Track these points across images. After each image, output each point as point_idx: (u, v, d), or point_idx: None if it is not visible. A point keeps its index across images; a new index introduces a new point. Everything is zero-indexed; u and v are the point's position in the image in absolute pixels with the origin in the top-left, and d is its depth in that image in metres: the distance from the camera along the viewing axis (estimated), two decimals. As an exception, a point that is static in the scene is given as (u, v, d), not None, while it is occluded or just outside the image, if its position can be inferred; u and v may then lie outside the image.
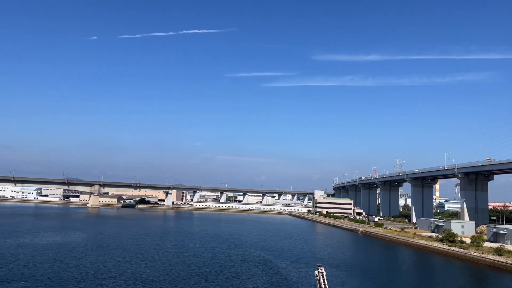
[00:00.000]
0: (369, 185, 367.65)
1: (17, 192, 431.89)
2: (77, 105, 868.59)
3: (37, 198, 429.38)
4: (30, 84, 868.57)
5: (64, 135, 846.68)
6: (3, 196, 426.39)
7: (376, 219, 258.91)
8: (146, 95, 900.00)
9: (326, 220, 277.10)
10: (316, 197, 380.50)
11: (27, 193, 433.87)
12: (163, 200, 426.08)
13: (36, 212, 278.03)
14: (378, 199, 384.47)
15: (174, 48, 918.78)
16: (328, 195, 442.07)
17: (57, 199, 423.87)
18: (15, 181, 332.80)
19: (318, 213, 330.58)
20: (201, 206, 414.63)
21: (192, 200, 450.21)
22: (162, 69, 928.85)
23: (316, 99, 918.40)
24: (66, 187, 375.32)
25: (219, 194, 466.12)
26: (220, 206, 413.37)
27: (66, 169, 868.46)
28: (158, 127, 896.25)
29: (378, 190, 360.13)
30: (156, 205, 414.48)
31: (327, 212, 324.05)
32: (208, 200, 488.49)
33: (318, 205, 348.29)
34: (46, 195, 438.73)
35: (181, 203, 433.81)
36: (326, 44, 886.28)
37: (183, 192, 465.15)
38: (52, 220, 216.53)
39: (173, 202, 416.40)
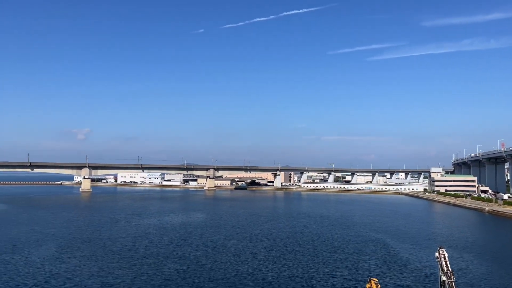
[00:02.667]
0: (495, 160, 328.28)
1: (145, 178, 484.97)
2: (204, 99, 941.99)
3: (161, 182, 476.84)
4: (160, 81, 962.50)
5: (186, 125, 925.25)
6: (134, 182, 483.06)
7: (505, 197, 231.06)
8: (250, 80, 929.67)
9: (446, 199, 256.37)
10: (433, 174, 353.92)
11: (153, 178, 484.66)
12: (272, 182, 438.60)
13: (161, 195, 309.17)
14: (507, 175, 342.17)
15: (276, 31, 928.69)
16: (447, 172, 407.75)
17: (178, 183, 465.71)
18: (143, 168, 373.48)
19: (435, 192, 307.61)
20: (309, 187, 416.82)
21: (299, 181, 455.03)
22: (266, 53, 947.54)
23: (431, 68, 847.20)
24: (185, 172, 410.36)
25: (326, 174, 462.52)
26: (328, 187, 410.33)
27: (185, 155, 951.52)
28: (264, 112, 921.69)
29: (507, 165, 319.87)
30: (265, 187, 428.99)
31: (445, 190, 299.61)
32: (315, 181, 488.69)
33: (436, 183, 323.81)
34: (169, 180, 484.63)
35: (289, 184, 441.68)
36: (438, 8, 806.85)
37: (290, 174, 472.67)
38: (175, 202, 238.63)
39: (281, 183, 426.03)
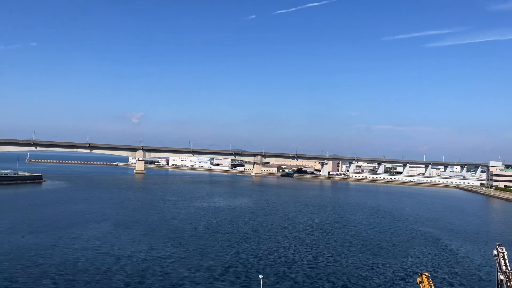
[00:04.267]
0: None
1: (195, 162, 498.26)
2: (245, 81, 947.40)
3: (210, 167, 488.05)
4: (212, 67, 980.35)
5: (235, 112, 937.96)
6: (185, 165, 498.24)
7: None
8: (300, 66, 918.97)
9: (505, 195, 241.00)
10: (491, 169, 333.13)
11: (202, 162, 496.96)
12: (319, 170, 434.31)
13: (210, 179, 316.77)
14: None
15: (329, 16, 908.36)
16: (507, 167, 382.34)
17: (226, 168, 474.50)
18: (193, 152, 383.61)
19: (494, 187, 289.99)
20: (357, 177, 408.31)
21: (347, 170, 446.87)
22: (318, 38, 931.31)
23: (493, 56, 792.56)
24: (233, 157, 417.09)
25: (376, 165, 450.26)
26: (378, 178, 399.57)
27: (233, 141, 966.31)
28: (312, 99, 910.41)
29: None
30: (312, 175, 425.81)
31: (505, 186, 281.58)
32: (364, 171, 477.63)
33: (494, 178, 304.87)
34: (218, 165, 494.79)
35: (337, 174, 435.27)
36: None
37: (338, 163, 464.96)
38: (223, 186, 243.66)
39: (329, 172, 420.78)
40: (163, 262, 65.03)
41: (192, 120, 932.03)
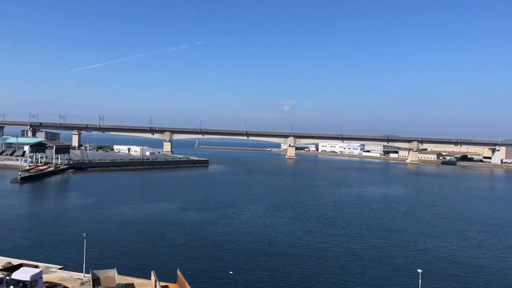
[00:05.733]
0: None
1: (344, 148, 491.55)
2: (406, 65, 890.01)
3: (360, 153, 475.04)
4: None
5: (387, 95, 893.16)
6: (334, 151, 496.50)
7: None
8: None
9: None
10: None
11: (352, 149, 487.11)
12: (489, 158, 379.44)
13: (360, 166, 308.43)
14: None
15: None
16: None
17: (377, 155, 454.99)
18: (342, 138, 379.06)
19: None
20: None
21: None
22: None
23: None
24: (385, 143, 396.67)
25: None
26: None
27: (385, 127, 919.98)
28: (478, 79, 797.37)
29: None
30: (480, 163, 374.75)
31: None
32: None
33: None
34: (368, 151, 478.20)
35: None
36: None
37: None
38: (374, 174, 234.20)
39: (501, 160, 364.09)
40: (314, 247, 65.82)
41: (341, 106, 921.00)
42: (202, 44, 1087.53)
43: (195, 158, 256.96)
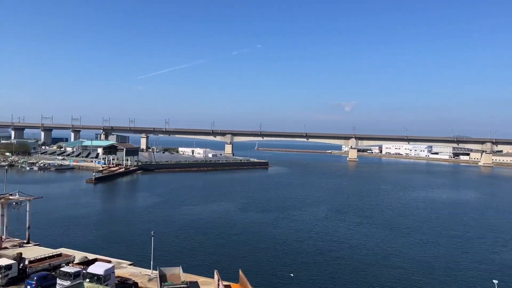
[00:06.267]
0: None
1: (410, 150, 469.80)
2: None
3: (427, 155, 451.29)
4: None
5: (456, 94, 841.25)
6: (399, 153, 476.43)
7: None
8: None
9: None
10: None
11: (419, 150, 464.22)
12: None
13: (427, 169, 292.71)
14: None
15: None
16: None
17: (446, 157, 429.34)
18: (408, 139, 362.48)
19: None
20: None
21: None
22: None
23: None
24: (455, 144, 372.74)
25: None
26: None
27: (454, 127, 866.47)
28: None
29: None
30: None
31: None
32: None
33: None
34: (436, 153, 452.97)
35: None
36: None
37: None
38: (443, 177, 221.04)
39: None
40: (377, 253, 63.55)
41: (406, 106, 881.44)
42: (262, 47, 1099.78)
43: (255, 160, 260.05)
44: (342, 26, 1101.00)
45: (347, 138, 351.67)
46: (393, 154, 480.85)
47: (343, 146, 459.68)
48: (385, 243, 69.44)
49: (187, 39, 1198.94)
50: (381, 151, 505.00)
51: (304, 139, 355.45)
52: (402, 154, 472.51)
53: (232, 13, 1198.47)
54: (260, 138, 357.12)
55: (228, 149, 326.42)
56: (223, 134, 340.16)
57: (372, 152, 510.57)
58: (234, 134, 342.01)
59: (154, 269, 46.09)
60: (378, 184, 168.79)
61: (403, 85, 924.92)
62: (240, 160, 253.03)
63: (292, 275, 51.33)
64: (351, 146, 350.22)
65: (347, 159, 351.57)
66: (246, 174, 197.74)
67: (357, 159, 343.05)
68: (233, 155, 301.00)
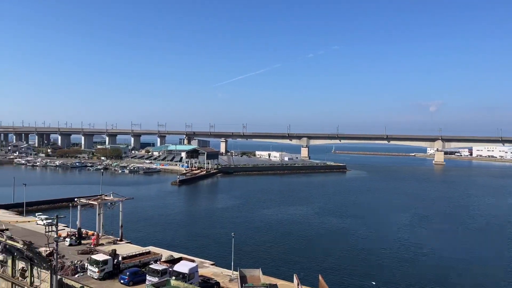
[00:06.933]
0: None
1: (506, 152, 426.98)
2: None
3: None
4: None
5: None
6: (492, 156, 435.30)
7: None
8: None
9: None
10: None
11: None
12: None
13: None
14: None
15: None
16: None
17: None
18: (503, 141, 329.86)
19: None
20: None
21: None
22: None
23: None
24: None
25: None
26: None
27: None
28: None
29: None
30: None
31: None
32: None
33: None
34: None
35: None
36: None
37: None
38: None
39: None
40: (468, 264, 58.61)
41: (502, 103, 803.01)
42: (339, 48, 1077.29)
43: (332, 164, 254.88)
44: (420, 22, 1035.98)
45: (432, 139, 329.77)
46: (486, 157, 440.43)
47: (428, 148, 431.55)
48: (476, 254, 63.81)
49: (264, 41, 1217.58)
50: (471, 154, 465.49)
51: (385, 142, 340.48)
52: (496, 157, 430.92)
53: (306, 16, 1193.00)
54: (337, 141, 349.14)
55: (304, 152, 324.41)
56: (299, 137, 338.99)
57: (461, 155, 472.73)
58: (310, 137, 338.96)
59: (235, 270, 47.23)
60: (467, 189, 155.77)
61: (496, 81, 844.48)
62: (317, 164, 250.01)
63: (374, 283, 49.31)
64: (437, 149, 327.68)
65: (433, 162, 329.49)
66: (323, 178, 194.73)
67: (444, 163, 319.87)
68: (309, 158, 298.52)
